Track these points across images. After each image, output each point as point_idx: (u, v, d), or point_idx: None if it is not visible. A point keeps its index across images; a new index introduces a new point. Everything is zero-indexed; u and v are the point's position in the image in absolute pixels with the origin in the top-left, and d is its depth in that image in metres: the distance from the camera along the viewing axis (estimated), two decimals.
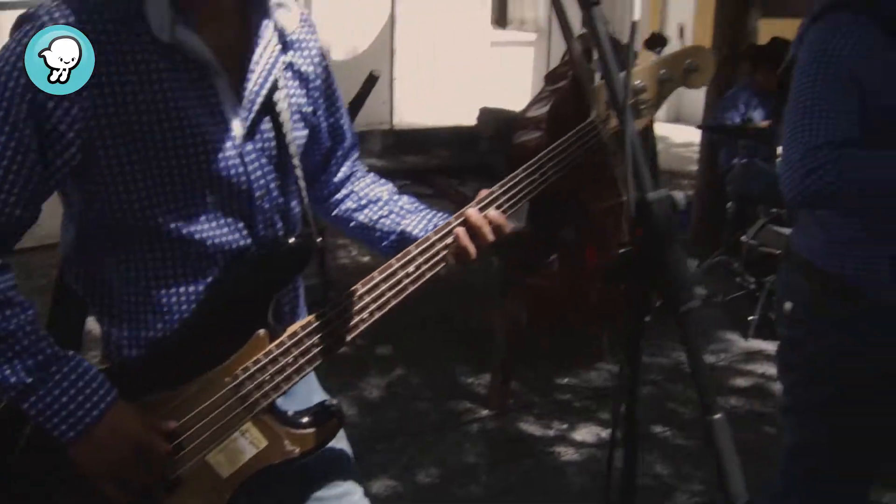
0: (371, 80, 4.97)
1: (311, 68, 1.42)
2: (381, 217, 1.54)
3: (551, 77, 3.95)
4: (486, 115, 4.11)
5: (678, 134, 10.10)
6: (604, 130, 1.44)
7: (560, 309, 3.83)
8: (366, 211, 1.55)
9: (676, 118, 10.83)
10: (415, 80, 9.42)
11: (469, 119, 4.68)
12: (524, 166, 1.43)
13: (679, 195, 1.02)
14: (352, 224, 1.56)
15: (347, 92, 2.10)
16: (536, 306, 3.77)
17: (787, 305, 1.88)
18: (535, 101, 3.85)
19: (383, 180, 1.60)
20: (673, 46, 1.53)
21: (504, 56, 10.41)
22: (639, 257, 1.05)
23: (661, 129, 8.93)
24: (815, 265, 1.80)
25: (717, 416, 0.98)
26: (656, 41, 1.24)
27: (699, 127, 5.87)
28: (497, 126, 4.00)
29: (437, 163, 4.19)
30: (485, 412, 3.67)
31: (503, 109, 4.12)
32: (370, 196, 1.56)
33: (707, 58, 1.48)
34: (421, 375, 4.00)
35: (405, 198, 1.56)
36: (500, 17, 11.70)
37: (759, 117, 5.35)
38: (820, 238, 1.80)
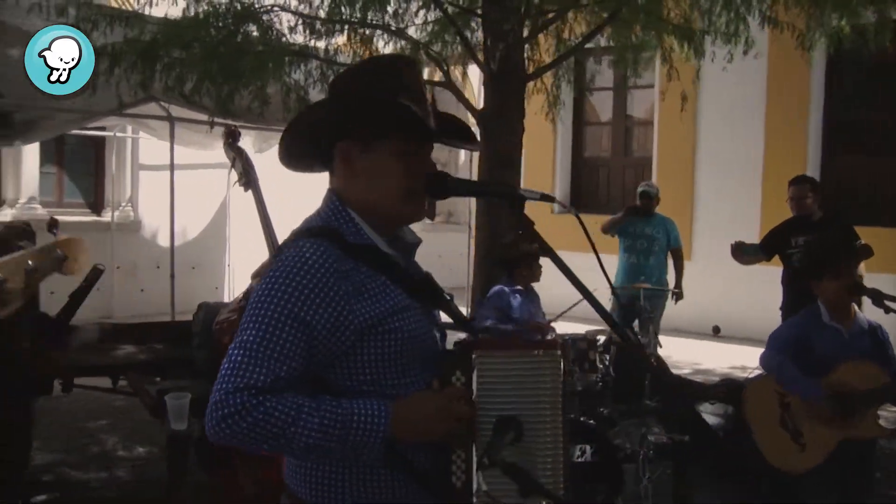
0: (96, 273, 4.95)
1: None
2: None
3: (257, 274, 4.02)
4: (201, 309, 4.11)
5: None
6: None
7: None
8: None
9: None
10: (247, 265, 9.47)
11: None
12: None
13: None
14: None
15: None
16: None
17: None
18: (242, 296, 3.90)
19: None
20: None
21: None
22: None
23: None
24: (290, 488, 1.76)
25: None
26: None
27: None
28: (206, 318, 3.99)
29: (144, 358, 4.11)
30: None
31: (220, 303, 4.14)
32: None
33: (78, 246, 1.52)
34: None
35: None
36: None
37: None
38: (293, 462, 1.75)
